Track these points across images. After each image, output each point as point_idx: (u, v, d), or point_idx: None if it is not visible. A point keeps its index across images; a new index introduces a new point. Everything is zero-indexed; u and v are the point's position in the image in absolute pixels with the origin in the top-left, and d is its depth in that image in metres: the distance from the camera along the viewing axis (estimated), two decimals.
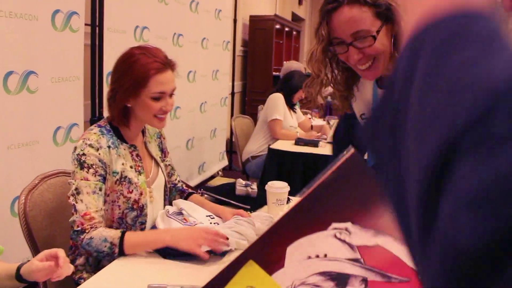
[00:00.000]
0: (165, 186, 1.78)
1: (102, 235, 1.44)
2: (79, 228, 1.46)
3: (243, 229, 1.56)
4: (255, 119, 4.60)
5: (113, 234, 1.44)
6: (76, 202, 1.47)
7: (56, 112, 2.38)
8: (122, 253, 1.44)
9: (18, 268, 1.21)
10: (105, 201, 1.55)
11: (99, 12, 2.73)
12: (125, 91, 1.55)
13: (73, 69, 2.47)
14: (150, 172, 1.71)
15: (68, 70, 2.44)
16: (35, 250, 1.57)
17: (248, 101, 6.71)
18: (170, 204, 1.79)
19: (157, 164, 1.76)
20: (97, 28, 2.73)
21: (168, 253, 1.45)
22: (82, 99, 2.57)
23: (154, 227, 1.63)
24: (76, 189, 1.48)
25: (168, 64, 1.58)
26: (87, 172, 1.49)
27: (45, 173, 1.71)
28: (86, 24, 2.59)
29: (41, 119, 2.28)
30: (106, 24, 2.75)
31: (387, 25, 1.19)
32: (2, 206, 2.07)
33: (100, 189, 1.51)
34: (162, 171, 1.77)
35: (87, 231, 1.45)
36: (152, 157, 1.75)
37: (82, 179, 1.49)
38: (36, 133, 2.25)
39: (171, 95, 1.62)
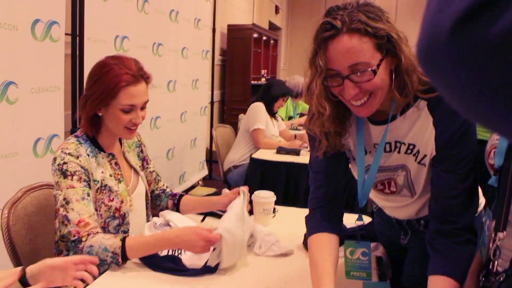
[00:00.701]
0: (146, 195, 1.77)
1: (102, 243, 1.41)
2: (76, 237, 1.42)
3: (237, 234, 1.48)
4: (235, 128, 4.60)
5: (113, 242, 1.41)
6: (68, 212, 1.44)
7: (36, 123, 2.33)
8: (125, 259, 1.43)
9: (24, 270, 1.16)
10: None
11: (80, 22, 2.70)
12: (95, 99, 1.54)
13: (54, 79, 2.43)
14: (130, 181, 1.70)
15: (49, 80, 2.40)
16: (19, 265, 1.53)
17: (227, 110, 6.71)
18: (158, 213, 1.77)
19: (137, 173, 1.74)
20: (77, 37, 2.70)
21: (159, 266, 1.43)
22: (63, 110, 2.53)
23: None
24: (64, 199, 1.46)
25: (141, 76, 1.56)
26: (72, 180, 1.47)
27: (29, 185, 1.67)
28: (66, 34, 2.56)
29: (21, 130, 2.23)
30: (86, 34, 2.72)
31: (387, 58, 1.09)
32: None
33: (88, 194, 1.49)
34: (142, 180, 1.76)
35: (83, 239, 1.42)
36: (131, 166, 1.73)
37: (68, 188, 1.46)
38: (16, 144, 2.20)
39: (142, 108, 1.60)
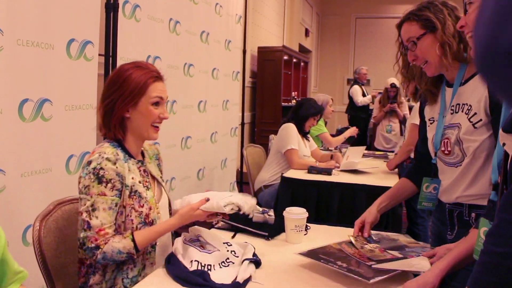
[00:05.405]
0: (169, 206, 1.77)
1: (114, 247, 1.47)
2: (93, 245, 1.46)
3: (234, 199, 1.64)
4: (265, 148, 4.58)
5: (125, 244, 1.48)
6: (91, 219, 1.47)
7: (69, 140, 2.36)
8: (138, 251, 1.53)
9: None
10: (121, 213, 1.55)
11: (113, 42, 2.75)
12: (124, 100, 1.57)
13: (87, 97, 2.47)
14: (154, 192, 1.69)
15: (82, 98, 2.44)
16: (49, 278, 1.53)
17: (258, 132, 6.71)
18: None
19: (159, 184, 1.75)
20: (110, 58, 2.75)
21: (188, 281, 1.40)
22: (95, 128, 2.56)
23: (172, 254, 1.57)
24: (92, 205, 1.48)
25: (161, 77, 1.65)
26: (105, 187, 1.48)
27: (60, 199, 1.68)
28: (100, 55, 2.61)
29: (55, 147, 2.26)
30: (119, 54, 2.77)
31: (431, 34, 1.53)
32: (15, 235, 2.03)
33: (116, 205, 1.52)
34: (165, 190, 1.76)
35: (101, 246, 1.46)
36: (153, 177, 1.73)
37: (99, 194, 1.48)
38: (49, 160, 2.23)
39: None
